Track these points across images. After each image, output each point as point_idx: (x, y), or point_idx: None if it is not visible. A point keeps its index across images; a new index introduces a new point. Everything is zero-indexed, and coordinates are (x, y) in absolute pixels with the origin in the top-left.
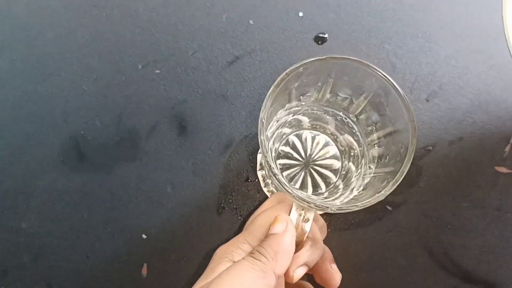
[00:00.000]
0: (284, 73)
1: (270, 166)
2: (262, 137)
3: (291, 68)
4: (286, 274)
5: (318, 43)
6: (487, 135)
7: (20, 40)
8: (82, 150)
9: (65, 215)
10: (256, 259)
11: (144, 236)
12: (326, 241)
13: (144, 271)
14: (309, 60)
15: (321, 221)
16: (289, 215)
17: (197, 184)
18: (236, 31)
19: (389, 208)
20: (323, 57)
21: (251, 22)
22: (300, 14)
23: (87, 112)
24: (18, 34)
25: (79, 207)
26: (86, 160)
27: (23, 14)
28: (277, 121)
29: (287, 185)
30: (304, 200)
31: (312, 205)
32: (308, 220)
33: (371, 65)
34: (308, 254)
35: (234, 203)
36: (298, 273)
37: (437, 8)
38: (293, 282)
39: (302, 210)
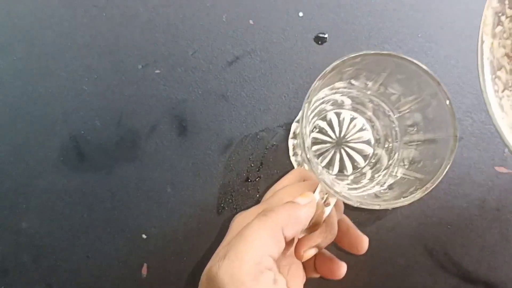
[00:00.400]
0: (340, 60)
1: (305, 146)
2: (305, 125)
3: (349, 56)
4: (297, 252)
5: (318, 43)
6: (487, 135)
7: (20, 40)
8: (82, 150)
9: (65, 215)
10: (267, 215)
11: (144, 236)
12: None
13: (144, 271)
14: (368, 52)
15: (339, 201)
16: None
17: (197, 184)
18: (236, 31)
19: (389, 208)
20: (384, 52)
21: (251, 22)
22: (300, 14)
23: (87, 112)
24: (18, 34)
25: (79, 207)
26: (86, 160)
27: (23, 14)
28: (321, 98)
29: (316, 167)
30: (329, 187)
31: (335, 192)
32: (329, 204)
33: (428, 70)
34: (322, 237)
35: (234, 203)
36: (308, 253)
37: (437, 8)
38: (302, 261)
39: (326, 194)
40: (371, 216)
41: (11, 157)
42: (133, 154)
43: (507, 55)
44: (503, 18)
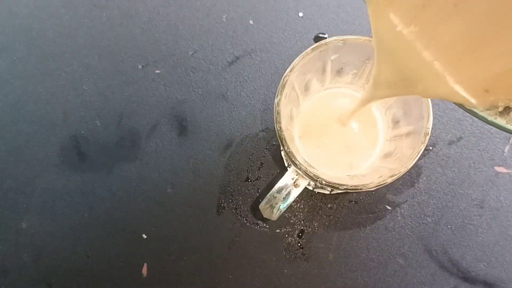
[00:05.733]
0: (323, 42)
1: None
2: (277, 100)
3: (332, 38)
4: None
5: None
6: (487, 135)
7: (20, 40)
8: (82, 150)
9: (65, 215)
10: None
11: (144, 236)
12: (326, 241)
13: (144, 271)
14: (351, 37)
15: None
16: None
17: (197, 184)
18: (236, 31)
19: (389, 208)
20: (366, 37)
21: (251, 22)
22: (300, 14)
23: (87, 112)
24: (18, 34)
25: (79, 207)
26: (86, 160)
27: (23, 14)
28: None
29: (291, 146)
30: (308, 175)
31: (320, 181)
32: (298, 185)
33: None
34: None
35: (234, 203)
36: None
37: None
38: None
39: (297, 175)
40: (371, 216)
41: (11, 157)
42: (133, 154)
43: None
44: None
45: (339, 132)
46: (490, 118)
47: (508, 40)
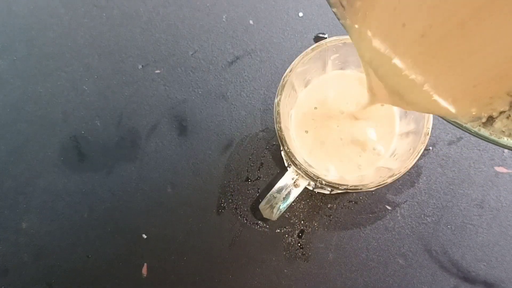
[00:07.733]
0: (323, 42)
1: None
2: (277, 99)
3: (332, 38)
4: None
5: None
6: None
7: (20, 40)
8: (82, 150)
9: (65, 215)
10: None
11: (144, 236)
12: (326, 241)
13: (144, 271)
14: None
15: None
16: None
17: (197, 184)
18: (236, 31)
19: (389, 208)
20: None
21: (251, 22)
22: (300, 14)
23: (87, 112)
24: (18, 34)
25: (79, 207)
26: (86, 160)
27: (23, 14)
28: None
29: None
30: (308, 174)
31: (320, 181)
32: (298, 186)
33: None
34: None
35: (234, 203)
36: None
37: None
38: None
39: (297, 175)
40: (371, 216)
41: (11, 157)
42: (133, 154)
43: None
44: None
45: (344, 126)
46: (474, 130)
47: (486, 53)
